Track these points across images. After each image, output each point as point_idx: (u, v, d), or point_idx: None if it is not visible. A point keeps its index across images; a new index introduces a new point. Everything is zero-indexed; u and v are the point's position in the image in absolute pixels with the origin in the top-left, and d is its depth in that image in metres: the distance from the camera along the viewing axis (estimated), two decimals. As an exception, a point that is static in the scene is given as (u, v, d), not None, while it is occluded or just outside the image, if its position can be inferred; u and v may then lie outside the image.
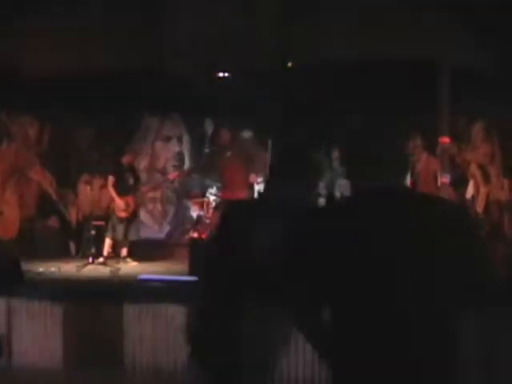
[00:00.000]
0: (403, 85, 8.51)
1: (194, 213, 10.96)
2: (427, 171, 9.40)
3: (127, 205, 8.95)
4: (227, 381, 2.93)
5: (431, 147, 8.96)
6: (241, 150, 8.48)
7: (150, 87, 9.47)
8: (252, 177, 8.41)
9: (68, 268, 7.96)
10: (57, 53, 8.01)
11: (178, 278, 6.79)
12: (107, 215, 9.31)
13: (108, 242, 9.05)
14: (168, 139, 11.83)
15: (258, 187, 9.01)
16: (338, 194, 11.18)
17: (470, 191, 8.17)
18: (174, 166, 11.78)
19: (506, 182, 8.36)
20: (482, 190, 8.56)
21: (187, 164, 11.85)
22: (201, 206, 10.47)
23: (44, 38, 8.03)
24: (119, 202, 8.89)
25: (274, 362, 3.06)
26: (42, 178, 10.16)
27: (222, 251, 3.05)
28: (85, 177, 10.59)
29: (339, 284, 2.09)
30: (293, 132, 10.20)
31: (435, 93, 7.42)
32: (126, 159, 9.27)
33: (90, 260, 8.32)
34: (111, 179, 8.98)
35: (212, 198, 10.09)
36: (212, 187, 10.46)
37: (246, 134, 9.64)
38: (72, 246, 10.23)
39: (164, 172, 11.74)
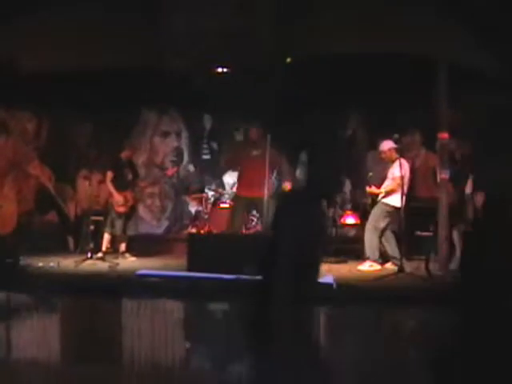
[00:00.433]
0: (402, 80, 8.51)
1: (193, 208, 10.98)
2: (426, 167, 9.41)
3: (126, 200, 8.95)
4: None
5: (430, 143, 8.97)
6: (263, 151, 8.49)
7: (148, 83, 9.47)
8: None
9: (67, 263, 7.95)
10: (55, 49, 7.99)
11: (176, 273, 6.78)
12: (106, 210, 9.30)
13: (106, 237, 9.04)
14: (166, 134, 11.83)
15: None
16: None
17: (469, 187, 8.16)
18: (173, 162, 11.77)
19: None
20: (482, 186, 8.56)
21: (185, 159, 11.84)
22: (199, 201, 10.48)
23: (43, 34, 8.01)
24: (118, 197, 8.89)
25: None
26: (41, 173, 10.15)
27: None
28: (83, 172, 10.58)
29: None
30: (291, 127, 10.22)
31: (434, 88, 7.41)
32: (124, 154, 9.27)
33: (89, 255, 8.31)
34: (109, 174, 8.98)
35: (210, 193, 10.10)
36: (211, 183, 10.48)
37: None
38: (71, 241, 10.23)
39: (162, 167, 11.74)
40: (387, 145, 7.91)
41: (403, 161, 7.66)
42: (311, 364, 2.75)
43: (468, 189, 8.13)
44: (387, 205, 7.81)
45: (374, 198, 8.09)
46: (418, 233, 8.11)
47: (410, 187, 8.16)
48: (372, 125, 10.47)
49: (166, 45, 8.15)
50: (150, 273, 6.78)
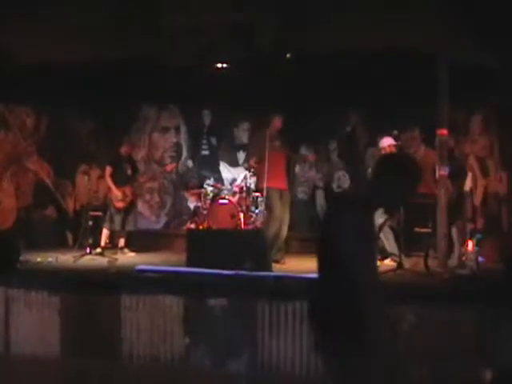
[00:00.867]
0: (401, 77, 8.51)
1: (192, 204, 10.97)
2: (425, 164, 9.40)
3: (125, 195, 8.95)
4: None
5: (429, 140, 8.96)
6: (283, 143, 8.53)
7: (148, 78, 9.46)
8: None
9: (65, 258, 7.95)
10: (55, 43, 7.97)
11: (175, 268, 6.78)
12: (105, 206, 9.30)
13: (105, 232, 9.04)
14: (165, 130, 11.82)
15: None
16: (335, 186, 11.20)
17: (468, 184, 8.16)
18: (172, 157, 11.77)
19: (504, 175, 8.37)
20: (481, 182, 8.58)
21: (184, 155, 11.84)
22: (198, 197, 10.47)
23: (42, 28, 7.99)
24: (117, 193, 8.88)
25: None
26: (40, 168, 10.14)
27: None
28: (83, 167, 10.58)
29: None
30: (290, 123, 10.21)
31: (433, 85, 7.40)
32: (123, 150, 9.26)
33: (88, 251, 8.30)
34: (109, 169, 8.97)
35: (210, 189, 10.09)
36: (210, 178, 10.46)
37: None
38: (69, 237, 10.22)
39: (161, 163, 11.73)
40: (387, 141, 7.90)
41: (403, 157, 7.63)
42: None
43: (467, 185, 8.13)
44: (386, 201, 7.78)
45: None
46: (417, 229, 8.11)
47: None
48: (371, 121, 10.47)
49: (167, 40, 8.13)
50: (149, 268, 6.77)
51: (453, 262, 7.37)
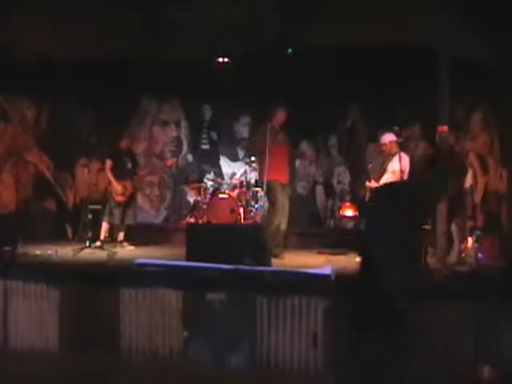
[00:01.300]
0: (402, 73, 8.50)
1: (191, 198, 10.97)
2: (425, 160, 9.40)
3: (125, 189, 8.94)
4: None
5: (429, 136, 8.95)
6: (285, 137, 8.52)
7: (148, 72, 9.45)
8: None
9: (65, 251, 7.95)
10: (56, 36, 7.96)
11: (174, 262, 6.78)
12: (104, 199, 9.29)
13: (105, 225, 9.04)
14: (166, 124, 11.81)
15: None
16: (335, 182, 11.21)
17: (468, 181, 8.16)
18: (172, 151, 11.76)
19: (504, 172, 8.36)
20: (481, 179, 8.57)
21: (184, 149, 11.83)
22: (198, 191, 10.46)
23: (43, 21, 7.98)
24: (117, 186, 8.88)
25: None
26: (39, 161, 10.14)
27: None
28: (82, 160, 10.57)
29: None
30: (290, 118, 10.20)
31: (434, 81, 7.39)
32: (124, 143, 9.25)
33: (87, 244, 8.30)
34: (109, 163, 8.96)
35: (209, 183, 10.08)
36: (210, 173, 10.45)
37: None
38: (69, 230, 10.22)
39: (162, 157, 11.72)
40: (388, 137, 7.89)
41: (403, 154, 7.64)
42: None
43: (467, 182, 8.13)
44: (386, 197, 7.80)
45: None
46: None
47: (409, 180, 8.15)
48: (372, 117, 10.46)
49: (167, 34, 8.11)
50: (149, 262, 6.76)
51: (452, 258, 7.37)
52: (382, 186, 7.58)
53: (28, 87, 9.30)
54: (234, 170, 11.02)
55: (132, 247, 8.99)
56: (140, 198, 11.23)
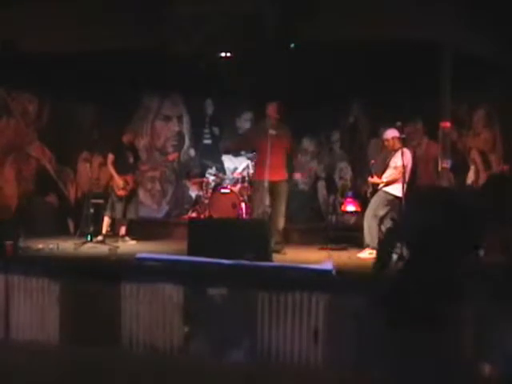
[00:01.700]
0: (405, 69, 8.48)
1: (193, 193, 10.98)
2: (427, 156, 9.40)
3: (126, 183, 8.93)
4: None
5: (432, 132, 8.95)
6: (282, 131, 8.23)
7: (150, 66, 9.43)
8: (297, 175, 8.18)
9: (66, 245, 7.95)
10: (57, 30, 7.95)
11: (175, 257, 6.78)
12: (106, 193, 9.29)
13: (107, 220, 9.04)
14: (168, 119, 11.82)
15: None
16: (337, 178, 11.20)
17: (470, 177, 8.16)
18: (174, 146, 11.77)
19: (506, 168, 8.34)
20: (483, 175, 8.56)
21: (186, 144, 11.84)
22: (200, 186, 10.48)
23: (45, 15, 7.97)
24: (119, 181, 8.87)
25: None
26: (41, 155, 10.14)
27: None
28: (84, 154, 10.57)
29: None
30: (293, 114, 10.18)
31: (437, 77, 7.38)
32: (126, 138, 9.24)
33: (89, 238, 8.30)
34: (111, 157, 8.96)
35: (211, 178, 10.08)
36: (211, 167, 10.46)
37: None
38: (71, 224, 10.22)
39: (164, 151, 11.73)
40: (391, 133, 7.87)
41: (405, 150, 7.63)
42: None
43: (469, 179, 8.12)
44: (388, 193, 7.79)
45: (375, 186, 8.07)
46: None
47: (412, 176, 8.14)
48: (374, 113, 10.45)
49: (169, 28, 8.10)
50: (150, 256, 6.76)
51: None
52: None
53: (30, 81, 9.29)
54: (235, 164, 11.03)
55: (134, 242, 9.00)
56: (142, 193, 11.24)
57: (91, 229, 8.47)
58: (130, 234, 9.20)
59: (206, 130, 11.80)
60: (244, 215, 9.30)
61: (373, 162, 8.63)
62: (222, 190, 9.74)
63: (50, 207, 10.23)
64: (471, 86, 8.10)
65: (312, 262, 6.68)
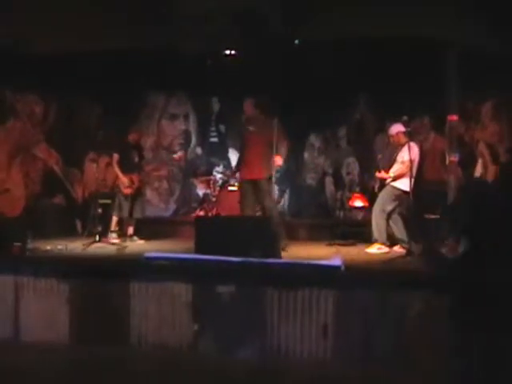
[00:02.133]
0: (411, 64, 8.46)
1: (201, 191, 10.97)
2: (435, 150, 9.37)
3: (132, 182, 8.91)
4: None
5: (439, 127, 8.91)
6: (262, 127, 8.08)
7: (157, 65, 9.44)
8: (277, 159, 7.99)
9: (74, 246, 7.96)
10: (64, 31, 7.96)
11: (183, 255, 6.78)
12: (113, 193, 9.28)
13: (115, 220, 9.03)
14: (174, 117, 11.81)
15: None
16: (344, 173, 11.18)
17: (478, 170, 8.12)
18: (181, 144, 11.76)
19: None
20: (491, 169, 8.51)
21: (193, 142, 11.83)
22: (207, 184, 10.48)
23: (50, 14, 7.97)
24: (124, 179, 8.86)
25: None
26: (48, 156, 10.15)
27: None
28: (91, 155, 10.58)
29: None
30: (299, 110, 10.18)
31: (444, 72, 7.35)
32: (131, 137, 9.22)
33: (97, 238, 8.30)
34: (116, 157, 8.95)
35: (218, 176, 10.08)
36: (219, 165, 10.46)
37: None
38: (78, 224, 10.24)
39: (170, 150, 11.73)
40: (396, 128, 7.84)
41: (413, 144, 7.59)
42: None
43: (477, 172, 8.08)
44: (396, 188, 7.77)
45: (383, 181, 8.05)
46: (427, 215, 8.07)
47: (419, 171, 8.11)
48: (381, 108, 10.42)
49: (175, 27, 8.10)
50: (158, 255, 6.76)
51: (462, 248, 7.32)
52: None
53: (36, 82, 9.30)
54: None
55: (142, 241, 9.00)
56: (149, 192, 11.25)
57: (99, 229, 8.48)
58: (138, 233, 9.19)
59: (213, 128, 11.79)
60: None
61: (380, 156, 8.61)
62: (230, 188, 9.74)
63: (57, 208, 10.24)
64: (478, 79, 8.05)
65: (320, 257, 6.66)
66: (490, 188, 3.15)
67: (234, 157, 11.39)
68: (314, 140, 11.46)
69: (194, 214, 10.46)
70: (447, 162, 7.58)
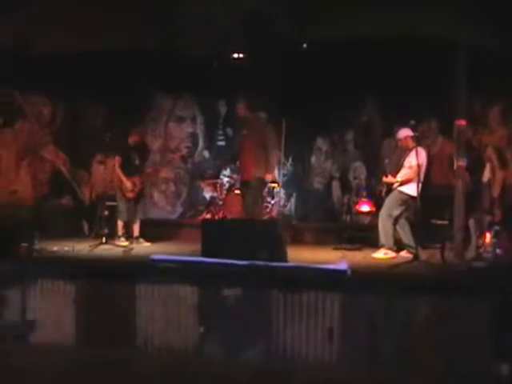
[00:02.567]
0: (418, 67, 8.44)
1: (208, 194, 10.97)
2: (443, 155, 9.34)
3: (134, 185, 8.91)
4: None
5: (447, 131, 8.88)
6: (255, 130, 8.15)
7: (164, 67, 9.45)
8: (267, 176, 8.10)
9: (81, 247, 7.98)
10: (71, 33, 7.98)
11: (190, 258, 6.78)
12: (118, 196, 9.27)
13: (120, 224, 9.02)
14: (181, 120, 11.81)
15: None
16: (351, 177, 11.15)
17: (486, 175, 8.09)
18: (188, 147, 11.77)
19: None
20: (499, 174, 8.49)
21: (200, 145, 11.84)
22: (214, 187, 10.47)
23: (57, 18, 7.99)
24: (126, 183, 8.85)
25: None
26: (56, 158, 10.18)
27: None
28: (98, 157, 10.59)
29: None
30: (306, 114, 10.17)
31: (451, 75, 7.33)
32: (131, 139, 9.16)
33: (103, 240, 8.31)
34: (118, 160, 8.94)
35: (225, 179, 10.08)
36: (225, 169, 10.46)
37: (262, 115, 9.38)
38: (85, 226, 10.25)
39: (177, 153, 11.73)
40: (404, 133, 7.83)
41: (420, 149, 7.57)
42: None
43: (485, 176, 8.06)
44: (403, 193, 7.75)
45: (389, 186, 8.03)
46: (434, 221, 8.05)
47: (427, 175, 8.09)
48: (388, 112, 10.39)
49: (182, 29, 8.10)
50: (164, 258, 6.77)
51: (470, 254, 7.30)
52: None
53: (44, 84, 9.33)
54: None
55: (148, 243, 9.00)
56: (156, 194, 11.27)
57: (106, 231, 8.49)
58: (144, 235, 9.19)
59: (220, 132, 11.78)
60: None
61: (387, 161, 8.59)
62: (236, 191, 9.73)
63: (64, 209, 10.26)
64: (486, 83, 8.03)
65: (327, 262, 6.65)
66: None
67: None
68: (322, 144, 11.44)
69: (200, 217, 10.45)
70: (455, 166, 7.54)
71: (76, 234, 9.67)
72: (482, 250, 6.95)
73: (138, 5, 7.88)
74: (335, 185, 11.37)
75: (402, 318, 5.48)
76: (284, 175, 10.71)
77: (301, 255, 7.76)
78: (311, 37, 8.09)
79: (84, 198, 10.66)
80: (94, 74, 9.20)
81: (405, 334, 5.45)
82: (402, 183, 7.76)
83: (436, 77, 8.07)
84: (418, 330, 5.44)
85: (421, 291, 5.54)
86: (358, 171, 11.18)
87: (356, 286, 5.72)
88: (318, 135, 11.39)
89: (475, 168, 8.25)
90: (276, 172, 10.39)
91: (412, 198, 7.54)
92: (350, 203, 10.82)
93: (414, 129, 7.61)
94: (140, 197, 9.10)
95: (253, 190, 8.17)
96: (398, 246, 7.86)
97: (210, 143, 11.86)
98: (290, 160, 11.01)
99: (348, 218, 10.64)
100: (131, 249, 8.17)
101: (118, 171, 8.91)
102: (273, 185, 9.79)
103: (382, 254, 7.70)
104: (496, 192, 8.41)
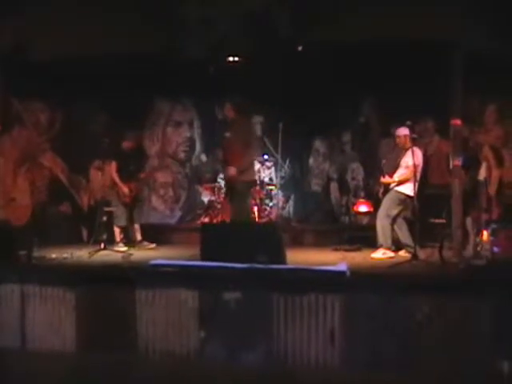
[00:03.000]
0: (415, 68, 8.46)
1: (206, 198, 10.98)
2: (439, 154, 9.37)
3: (130, 191, 8.93)
4: None
5: (443, 130, 8.91)
6: (239, 130, 8.20)
7: (161, 72, 9.46)
8: (231, 170, 8.11)
9: (80, 253, 7.99)
10: (69, 39, 7.99)
11: (189, 262, 6.78)
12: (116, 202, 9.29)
13: (117, 230, 9.03)
14: (179, 124, 11.82)
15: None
16: (349, 179, 11.17)
17: (482, 174, 8.11)
18: (185, 151, 11.78)
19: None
20: (495, 172, 8.51)
21: (198, 149, 11.85)
22: (212, 190, 10.49)
23: (55, 22, 8.01)
24: (123, 189, 8.87)
25: None
26: (54, 164, 10.18)
27: None
28: (96, 163, 10.60)
29: None
30: (304, 116, 10.19)
31: (447, 75, 7.35)
32: (125, 145, 9.18)
33: (102, 246, 8.32)
34: (114, 165, 8.97)
35: (223, 183, 10.09)
36: (223, 172, 10.45)
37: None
38: (84, 232, 10.26)
39: (175, 157, 11.74)
40: (402, 131, 7.88)
41: (416, 149, 7.61)
42: None
43: (481, 175, 8.08)
44: (400, 193, 7.78)
45: (387, 186, 8.05)
46: (432, 220, 8.07)
47: (423, 175, 8.12)
48: (385, 112, 10.42)
49: (179, 33, 8.12)
50: (163, 262, 6.77)
51: (468, 252, 7.33)
52: None
53: (42, 91, 9.34)
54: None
55: (153, 245, 9.02)
56: (154, 199, 11.28)
57: (104, 236, 8.50)
58: (145, 239, 9.20)
59: (217, 135, 11.79)
60: (257, 218, 9.30)
61: (384, 161, 8.62)
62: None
63: (63, 216, 10.27)
64: (482, 82, 8.05)
65: (326, 263, 6.67)
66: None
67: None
68: (319, 145, 11.46)
69: (199, 221, 10.47)
70: (451, 165, 7.57)
71: (75, 240, 9.67)
72: (479, 248, 6.98)
73: (136, 10, 7.90)
74: (333, 186, 11.39)
75: (402, 318, 5.49)
76: (282, 177, 10.73)
77: (300, 257, 7.77)
78: (308, 38, 8.11)
79: (82, 205, 10.66)
80: (91, 79, 9.20)
81: (405, 334, 5.46)
82: (399, 183, 7.79)
83: (432, 77, 8.09)
84: (418, 330, 5.45)
85: (420, 290, 5.55)
86: (356, 172, 11.20)
87: (355, 287, 5.73)
88: (315, 137, 11.41)
89: (471, 167, 8.28)
90: (273, 173, 10.45)
91: (409, 197, 7.57)
92: (348, 204, 10.85)
93: (410, 129, 7.65)
94: (136, 202, 9.12)
95: (238, 195, 8.20)
96: (397, 245, 7.89)
97: (207, 147, 11.87)
98: (288, 162, 11.03)
99: (346, 218, 10.66)
100: (130, 254, 8.17)
101: (115, 176, 8.93)
102: (270, 187, 9.80)
103: (380, 254, 7.72)
104: (492, 190, 8.43)
